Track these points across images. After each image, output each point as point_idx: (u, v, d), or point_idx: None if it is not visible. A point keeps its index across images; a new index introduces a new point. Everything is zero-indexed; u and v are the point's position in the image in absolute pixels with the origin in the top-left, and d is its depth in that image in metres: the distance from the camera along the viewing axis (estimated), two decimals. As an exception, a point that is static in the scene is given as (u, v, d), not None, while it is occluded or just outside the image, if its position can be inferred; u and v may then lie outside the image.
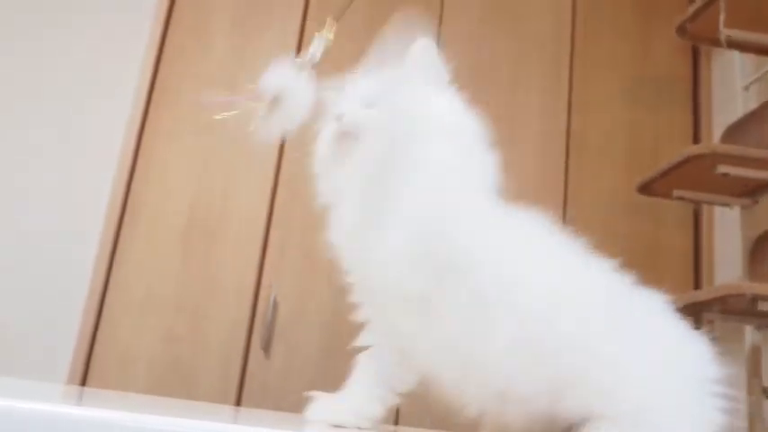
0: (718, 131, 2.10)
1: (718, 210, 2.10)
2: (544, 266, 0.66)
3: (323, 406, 0.67)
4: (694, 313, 1.70)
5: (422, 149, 0.68)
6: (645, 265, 2.43)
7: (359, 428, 0.63)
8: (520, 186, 2.48)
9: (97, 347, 1.94)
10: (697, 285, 2.11)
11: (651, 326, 0.65)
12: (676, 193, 1.81)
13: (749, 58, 2.01)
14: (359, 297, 0.70)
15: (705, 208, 2.14)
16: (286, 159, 2.12)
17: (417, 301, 0.62)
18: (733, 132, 1.84)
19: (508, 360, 0.61)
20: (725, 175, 1.63)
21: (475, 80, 2.23)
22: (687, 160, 1.64)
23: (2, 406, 0.45)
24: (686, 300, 1.54)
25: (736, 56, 2.05)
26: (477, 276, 0.62)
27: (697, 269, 2.16)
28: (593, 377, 0.61)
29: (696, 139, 2.27)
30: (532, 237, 0.68)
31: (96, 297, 1.96)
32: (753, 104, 1.91)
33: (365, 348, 0.69)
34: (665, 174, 1.73)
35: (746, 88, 1.98)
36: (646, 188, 1.84)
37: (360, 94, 0.75)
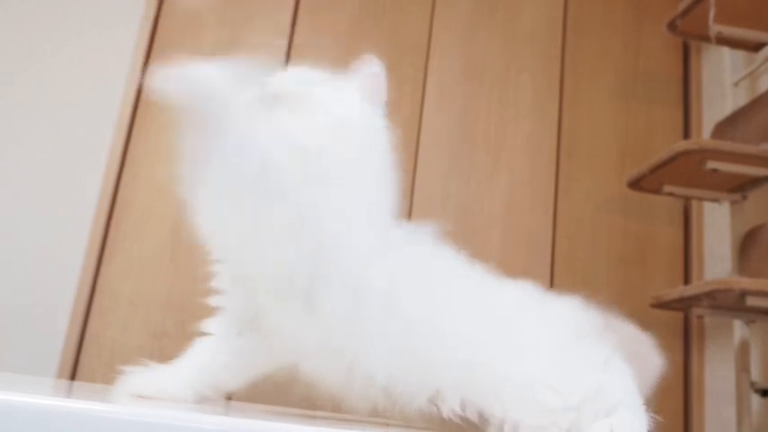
0: (708, 127, 2.11)
1: (707, 205, 2.11)
2: (429, 278, 0.66)
3: (143, 377, 0.67)
4: (684, 308, 1.72)
5: (331, 150, 0.66)
6: (635, 260, 2.45)
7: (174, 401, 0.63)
8: (511, 183, 2.49)
9: (86, 343, 1.93)
10: (687, 281, 2.12)
11: (537, 334, 0.65)
12: (666, 188, 1.82)
13: (739, 55, 2.02)
14: (222, 284, 0.69)
15: (695, 203, 2.15)
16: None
17: (301, 297, 0.62)
18: (723, 128, 1.85)
19: (391, 363, 0.62)
20: (714, 170, 1.64)
21: (466, 77, 2.25)
22: (676, 156, 1.65)
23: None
24: (675, 295, 1.55)
25: (726, 52, 2.06)
26: (363, 283, 0.62)
27: (687, 264, 2.17)
28: (474, 383, 0.61)
29: (687, 135, 2.28)
30: (420, 249, 0.68)
31: (85, 293, 1.95)
32: (743, 101, 1.92)
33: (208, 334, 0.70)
34: (654, 169, 1.73)
35: (736, 84, 1.98)
36: (635, 184, 1.85)
37: (294, 75, 0.73)
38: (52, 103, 2.08)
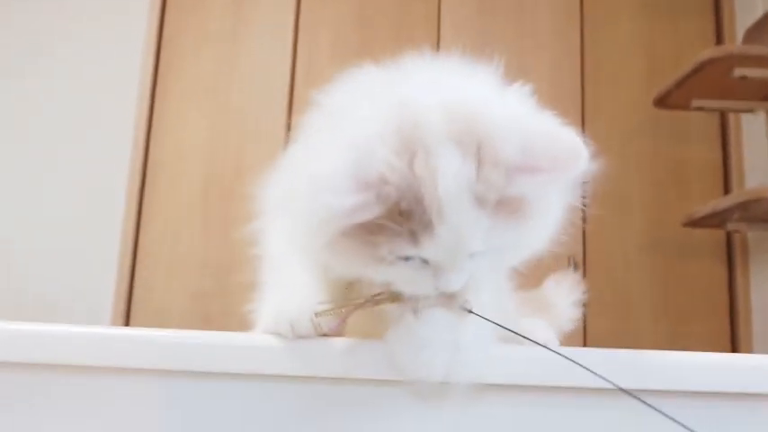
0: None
1: (745, 117, 2.01)
2: None
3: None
4: (718, 224, 1.66)
5: None
6: (672, 182, 2.38)
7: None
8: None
9: (133, 310, 2.01)
10: (727, 198, 2.04)
11: None
12: (695, 103, 1.75)
13: (769, -48, 1.89)
14: None
15: (732, 117, 2.05)
16: (297, 112, 2.12)
17: None
18: (753, 33, 1.75)
19: None
20: (743, 78, 1.56)
21: (480, 11, 2.18)
22: (702, 66, 1.57)
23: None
24: (707, 210, 1.50)
25: (755, -49, 1.93)
26: None
27: (726, 182, 2.09)
28: None
29: (720, 45, 2.16)
30: None
31: (128, 262, 2.02)
32: (774, 1, 1.81)
33: None
34: (680, 83, 1.66)
35: (767, -15, 1.86)
36: (662, 101, 1.78)
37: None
38: (75, 83, 2.13)
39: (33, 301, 1.97)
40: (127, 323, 2.00)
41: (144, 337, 0.56)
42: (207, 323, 1.98)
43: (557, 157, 0.47)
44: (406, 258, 0.48)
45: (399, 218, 0.46)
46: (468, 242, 0.47)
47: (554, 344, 0.65)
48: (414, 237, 0.46)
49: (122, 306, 2.00)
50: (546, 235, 0.53)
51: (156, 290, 2.03)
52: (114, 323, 1.99)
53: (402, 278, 0.50)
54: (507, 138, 0.47)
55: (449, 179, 0.45)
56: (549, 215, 0.52)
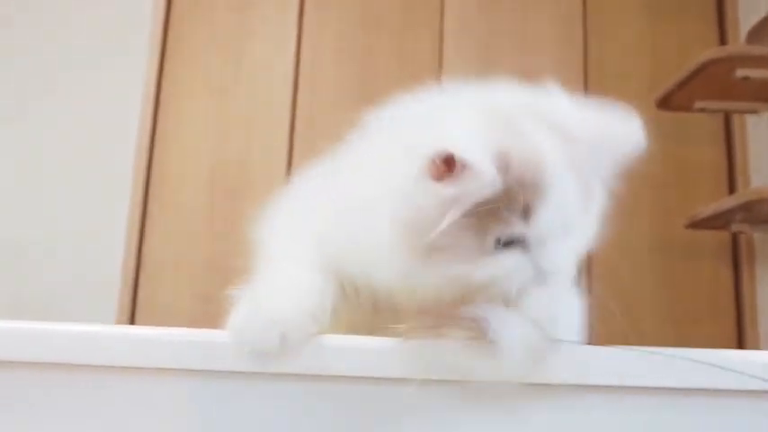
0: (745, 37, 1.98)
1: (750, 118, 2.00)
2: None
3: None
4: (721, 225, 1.65)
5: None
6: (676, 184, 2.36)
7: None
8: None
9: (138, 312, 2.03)
10: (732, 199, 2.03)
11: None
12: (698, 104, 1.74)
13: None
14: None
15: (736, 118, 2.04)
16: (300, 111, 2.13)
17: None
18: (756, 34, 1.74)
19: None
20: (746, 78, 1.56)
21: (482, 11, 2.18)
22: (704, 67, 1.57)
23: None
24: (709, 211, 1.49)
25: (758, -49, 1.93)
26: None
27: (731, 184, 2.08)
28: None
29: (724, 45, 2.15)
30: None
31: (132, 264, 2.04)
32: (777, 2, 1.80)
33: None
34: (682, 85, 1.66)
35: (770, -15, 1.86)
36: (665, 103, 1.77)
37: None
38: (80, 86, 2.15)
39: (38, 300, 1.98)
40: (132, 324, 2.02)
41: (148, 335, 0.56)
42: (212, 324, 1.98)
43: (618, 136, 0.53)
44: (510, 244, 0.48)
45: (511, 197, 0.47)
46: (573, 214, 0.50)
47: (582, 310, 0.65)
48: (527, 213, 0.47)
49: (127, 307, 2.02)
50: (597, 225, 0.55)
51: (160, 291, 2.04)
52: (119, 324, 2.01)
53: (505, 269, 0.49)
54: (579, 124, 0.51)
55: (553, 153, 0.48)
56: (602, 202, 0.55)
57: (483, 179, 0.45)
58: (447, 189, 0.45)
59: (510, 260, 0.49)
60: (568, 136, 0.50)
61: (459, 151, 0.45)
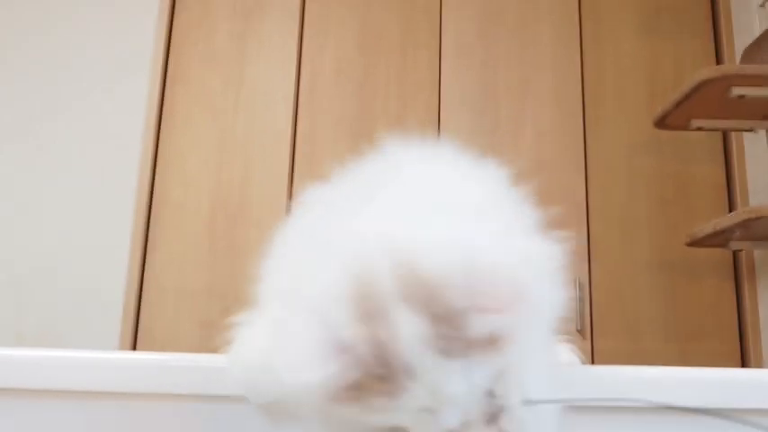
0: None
1: (748, 136, 2.01)
2: None
3: None
4: (721, 243, 1.66)
5: None
6: (676, 202, 2.37)
7: None
8: (537, 136, 2.44)
9: (140, 338, 2.03)
10: (731, 217, 2.04)
11: None
12: (694, 123, 1.76)
13: (764, -27, 1.91)
14: None
15: (734, 136, 2.05)
16: (301, 135, 2.15)
17: None
18: (750, 53, 1.76)
19: None
20: (741, 97, 1.57)
21: (481, 33, 2.21)
22: (699, 87, 1.58)
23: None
24: (708, 229, 1.50)
25: (750, -28, 1.96)
26: None
27: (731, 201, 2.09)
28: None
29: (719, 65, 2.18)
30: None
31: (134, 290, 2.04)
32: (770, 21, 1.82)
33: None
34: (679, 104, 1.67)
35: (763, 5, 1.88)
36: (662, 122, 1.79)
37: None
38: (81, 110, 2.17)
39: (39, 327, 1.99)
40: (134, 350, 2.01)
41: (150, 361, 0.57)
42: (214, 349, 1.98)
43: (502, 298, 0.45)
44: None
45: (377, 382, 0.44)
46: (448, 391, 0.45)
47: (578, 364, 0.65)
48: (392, 396, 0.44)
49: (129, 333, 2.02)
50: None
51: (162, 318, 2.04)
52: (122, 350, 2.00)
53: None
54: (453, 285, 0.44)
55: (408, 343, 0.44)
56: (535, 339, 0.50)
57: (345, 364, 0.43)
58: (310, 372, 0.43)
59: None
60: (438, 306, 0.45)
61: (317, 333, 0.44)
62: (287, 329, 0.46)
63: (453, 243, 0.47)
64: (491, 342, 0.45)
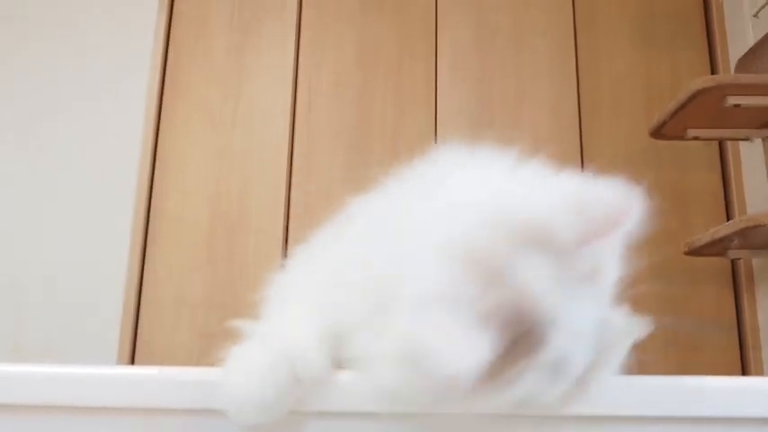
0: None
1: (744, 145, 2.02)
2: None
3: None
4: (719, 252, 1.66)
5: None
6: (673, 211, 2.37)
7: None
8: (535, 147, 2.46)
9: (139, 350, 2.02)
10: (729, 225, 2.04)
11: None
12: (690, 132, 1.76)
13: (757, -17, 1.93)
14: None
15: (730, 145, 2.06)
16: (298, 148, 2.16)
17: None
18: (745, 62, 1.77)
19: None
20: (737, 106, 1.58)
21: (477, 46, 2.22)
22: (694, 96, 1.59)
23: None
24: (706, 238, 1.50)
25: (743, -18, 1.97)
26: None
27: (728, 210, 2.10)
28: None
29: (714, 74, 2.19)
30: None
31: (132, 302, 2.04)
32: (764, 32, 1.83)
33: None
34: (674, 114, 1.68)
35: (756, 15, 1.90)
36: (658, 132, 1.79)
37: None
38: (79, 124, 2.17)
39: (38, 341, 1.98)
40: (132, 364, 2.01)
41: (148, 375, 0.57)
42: (213, 361, 1.97)
43: (609, 217, 0.48)
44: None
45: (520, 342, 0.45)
46: (584, 328, 0.48)
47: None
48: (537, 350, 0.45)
49: (128, 346, 2.01)
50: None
51: (161, 330, 2.03)
52: (120, 363, 2.00)
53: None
54: (558, 225, 0.47)
55: (539, 287, 0.45)
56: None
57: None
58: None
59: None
60: (550, 247, 0.46)
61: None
62: (416, 330, 0.44)
63: (546, 191, 0.50)
64: (594, 273, 0.48)
